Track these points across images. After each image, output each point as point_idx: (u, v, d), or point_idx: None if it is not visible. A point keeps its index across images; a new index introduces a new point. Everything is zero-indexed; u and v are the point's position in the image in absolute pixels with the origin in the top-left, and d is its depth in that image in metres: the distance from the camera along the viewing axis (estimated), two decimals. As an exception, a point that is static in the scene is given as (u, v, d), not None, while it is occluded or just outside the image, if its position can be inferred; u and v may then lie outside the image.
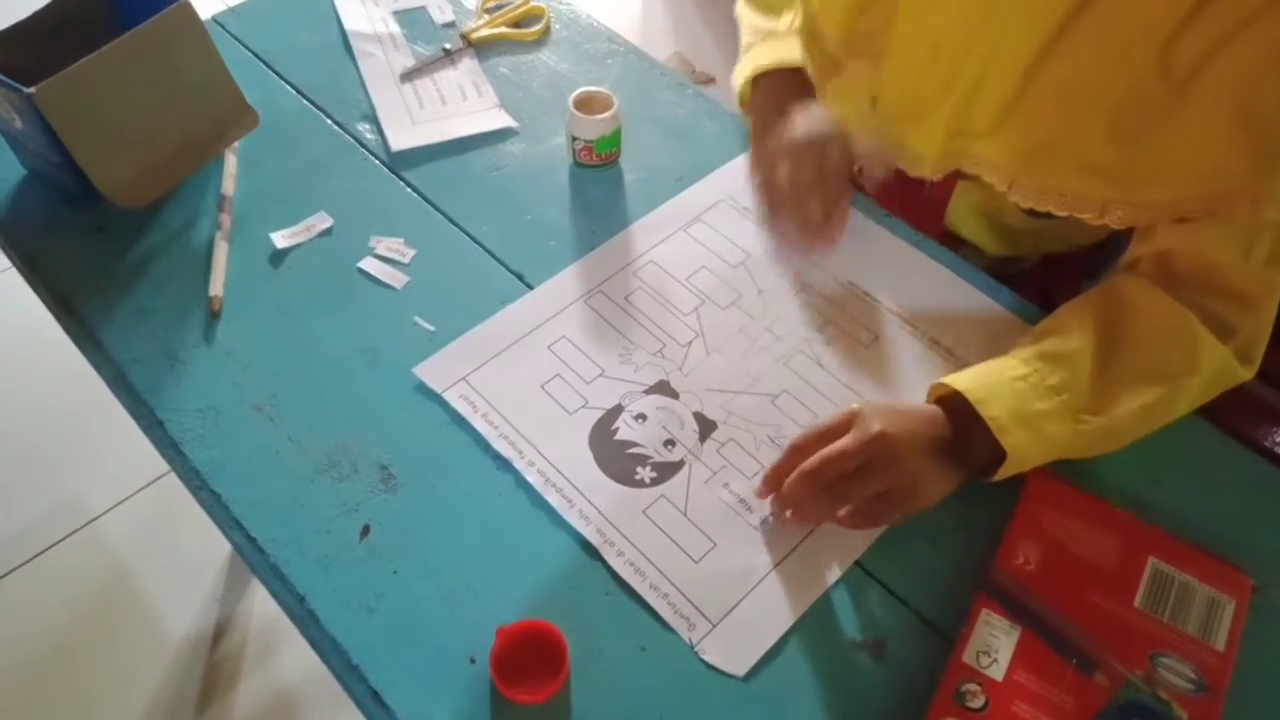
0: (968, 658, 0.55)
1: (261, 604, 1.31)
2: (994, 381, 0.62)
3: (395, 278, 0.75)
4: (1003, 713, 0.53)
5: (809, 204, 0.73)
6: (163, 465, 1.44)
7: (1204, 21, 0.59)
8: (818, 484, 0.60)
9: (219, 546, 1.37)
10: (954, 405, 0.62)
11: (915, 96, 0.74)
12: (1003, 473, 0.62)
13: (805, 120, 0.74)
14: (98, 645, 1.29)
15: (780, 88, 0.80)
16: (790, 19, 0.82)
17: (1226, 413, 1.04)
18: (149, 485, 1.43)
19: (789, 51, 0.80)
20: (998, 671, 0.55)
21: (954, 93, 0.70)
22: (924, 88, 0.72)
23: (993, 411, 0.60)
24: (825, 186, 0.73)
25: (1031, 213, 0.73)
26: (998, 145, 0.71)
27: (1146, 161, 0.65)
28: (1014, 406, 0.61)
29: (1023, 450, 0.61)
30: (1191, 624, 0.57)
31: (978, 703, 0.54)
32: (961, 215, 0.84)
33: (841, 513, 0.62)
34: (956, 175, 0.78)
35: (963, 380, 0.63)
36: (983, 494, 0.63)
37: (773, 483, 0.62)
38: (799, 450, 0.61)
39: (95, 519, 1.40)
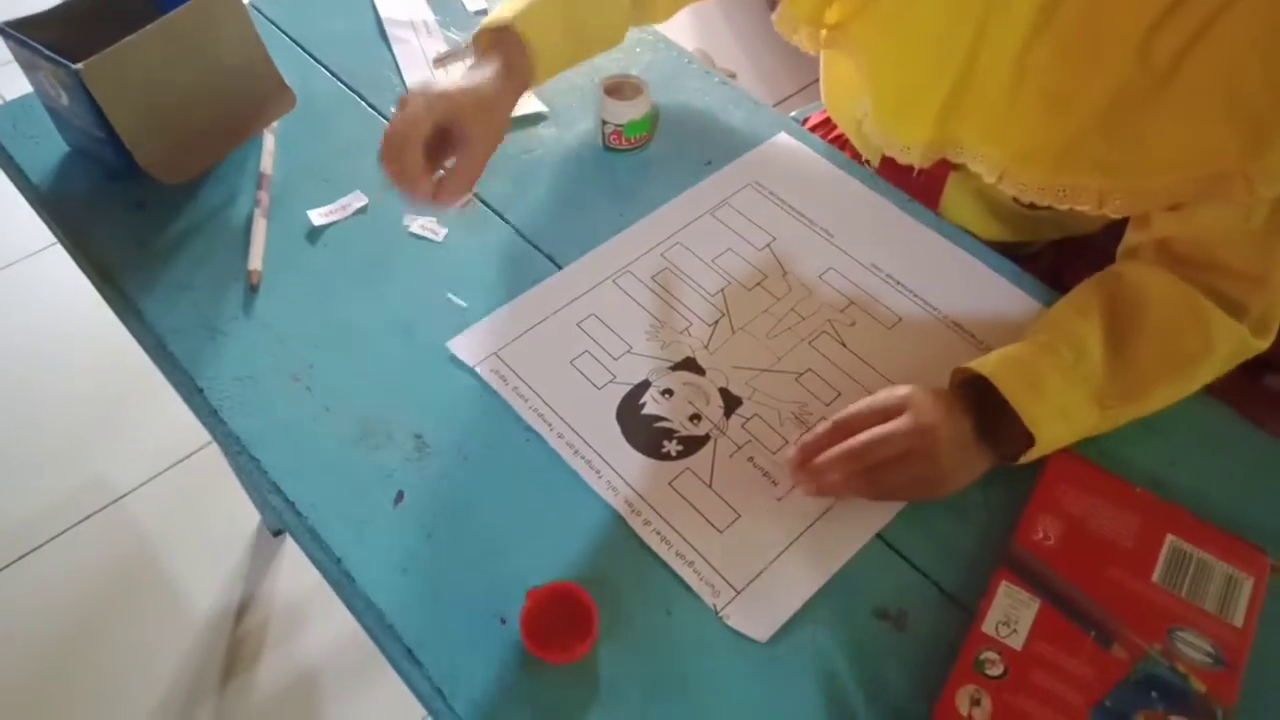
0: (987, 628, 0.56)
1: (286, 581, 1.33)
2: (1022, 369, 0.63)
3: (431, 249, 0.77)
4: (1022, 681, 0.55)
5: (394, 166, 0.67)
6: (190, 444, 1.47)
7: (1184, 13, 0.60)
8: (859, 465, 0.61)
9: (244, 525, 1.39)
10: (984, 390, 0.63)
11: (903, 86, 0.75)
12: (1028, 458, 0.63)
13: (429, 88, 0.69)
14: (124, 621, 1.31)
15: (486, 49, 0.74)
16: None
17: (1245, 407, 1.04)
18: (176, 464, 1.46)
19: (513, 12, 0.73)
20: (1017, 641, 0.56)
21: (943, 83, 0.72)
22: (912, 77, 0.74)
23: (1024, 401, 0.61)
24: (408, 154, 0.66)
25: (1027, 203, 0.75)
26: (987, 138, 0.73)
27: (1139, 151, 0.67)
28: (1045, 394, 0.61)
29: (1051, 438, 0.62)
30: (1210, 600, 0.58)
31: (997, 670, 0.55)
32: (955, 202, 0.85)
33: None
34: (947, 165, 0.80)
35: (990, 365, 0.63)
36: (1003, 470, 0.64)
37: (808, 453, 0.63)
38: (843, 429, 0.62)
39: (123, 496, 1.43)
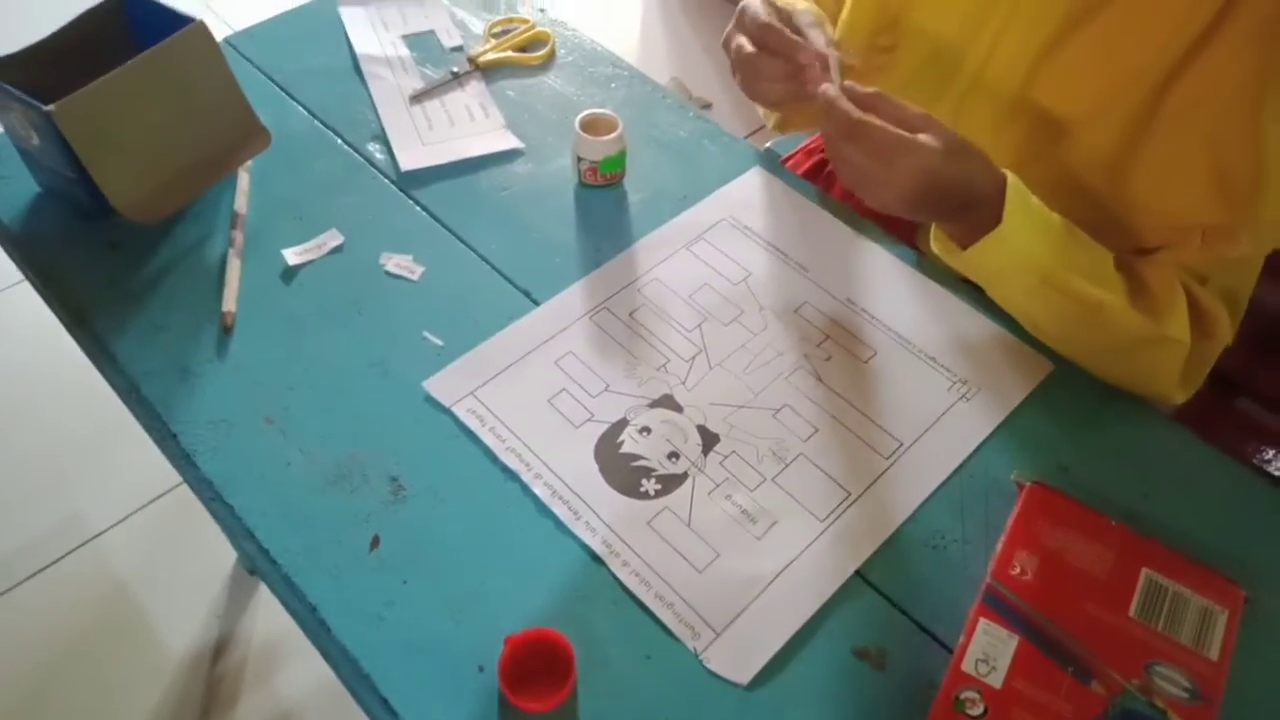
0: (967, 666, 0.56)
1: (264, 621, 1.31)
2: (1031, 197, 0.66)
3: (407, 288, 0.77)
4: (1002, 719, 0.55)
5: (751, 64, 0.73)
6: (165, 482, 1.45)
7: (1192, 67, 0.62)
8: (848, 133, 0.64)
9: (220, 563, 1.38)
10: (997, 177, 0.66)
11: (911, 96, 0.77)
12: (980, 249, 0.65)
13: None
14: (100, 661, 1.29)
15: None
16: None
17: (1216, 431, 1.06)
18: (151, 502, 1.44)
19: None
20: (996, 679, 0.56)
21: (950, 94, 0.74)
22: (921, 88, 0.76)
23: (1013, 194, 0.64)
24: (763, 31, 0.71)
25: None
26: (998, 146, 0.74)
27: (1126, 191, 0.68)
28: (1030, 208, 0.65)
29: (1016, 226, 0.64)
30: (1185, 634, 0.59)
31: (977, 710, 0.55)
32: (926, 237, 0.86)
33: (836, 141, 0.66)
34: None
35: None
36: (982, 510, 0.64)
37: (827, 104, 0.66)
38: (872, 102, 0.66)
39: (98, 535, 1.41)
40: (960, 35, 0.75)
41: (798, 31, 0.71)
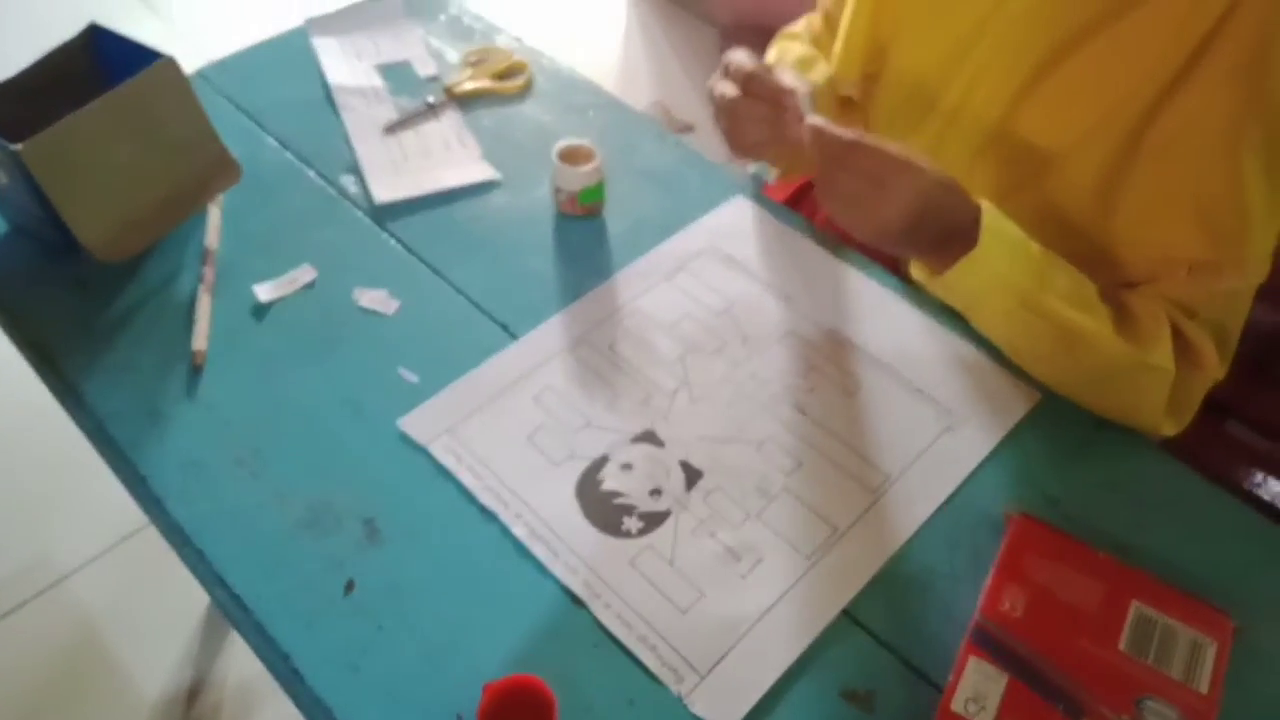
0: (956, 706, 0.55)
1: (238, 663, 1.28)
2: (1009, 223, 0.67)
3: (381, 323, 0.76)
4: (993, 762, 0.53)
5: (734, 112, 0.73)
6: (134, 523, 1.42)
7: (1179, 98, 0.62)
8: (838, 156, 0.65)
9: (192, 605, 1.34)
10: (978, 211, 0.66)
11: (896, 124, 0.79)
12: (963, 265, 0.65)
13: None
14: (69, 708, 1.25)
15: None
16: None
17: (1207, 455, 1.05)
18: (120, 543, 1.41)
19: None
20: (986, 719, 0.55)
21: (932, 123, 0.74)
22: (906, 117, 0.77)
23: (990, 219, 0.65)
24: (746, 78, 0.72)
25: None
26: (972, 180, 0.75)
27: (1108, 221, 0.68)
28: (1007, 237, 0.66)
29: (991, 248, 0.64)
30: (1175, 667, 0.58)
31: (968, 752, 0.54)
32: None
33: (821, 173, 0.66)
34: None
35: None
36: (970, 544, 0.64)
37: (816, 132, 0.66)
38: (856, 137, 0.65)
39: (65, 578, 1.37)
40: (941, 70, 0.75)
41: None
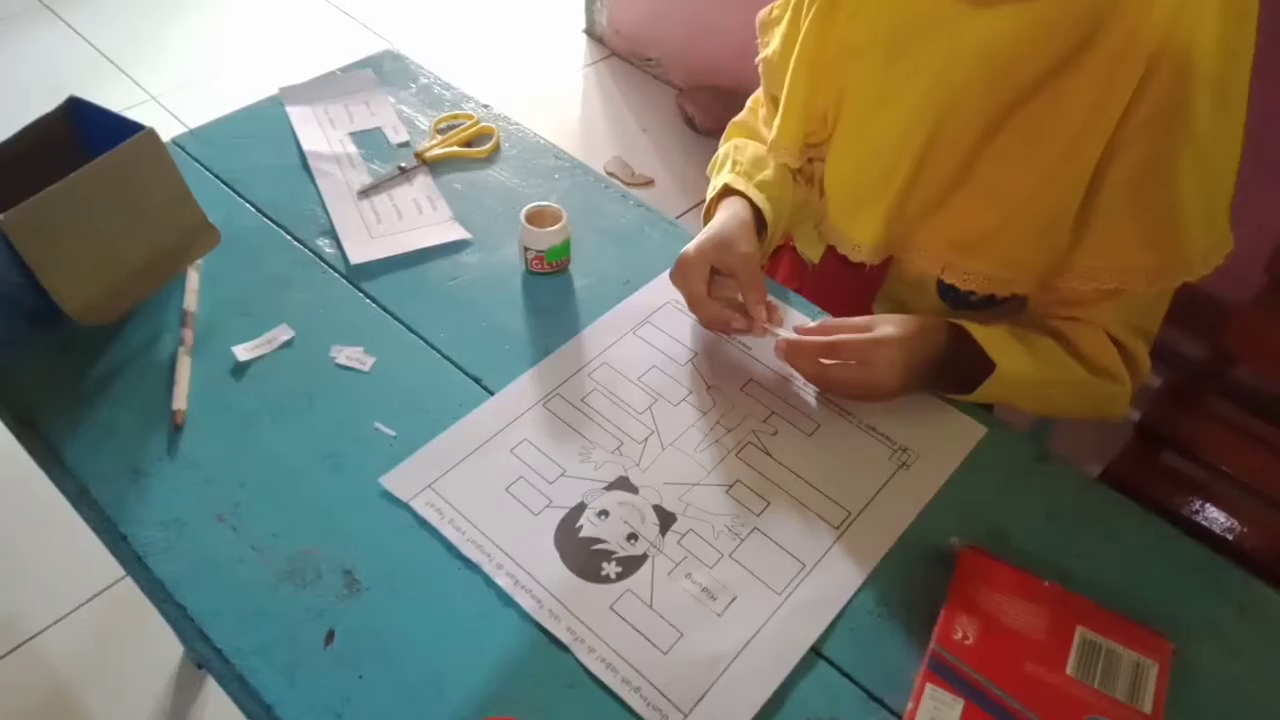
0: (916, 732, 0.58)
1: (212, 716, 1.27)
2: (987, 328, 0.77)
3: (358, 379, 0.78)
4: (953, 784, 0.56)
5: (702, 311, 0.82)
6: (104, 580, 1.41)
7: (1122, 140, 0.70)
8: (815, 359, 0.75)
9: (166, 659, 1.33)
10: (954, 331, 0.76)
11: (856, 190, 0.84)
12: (989, 389, 0.75)
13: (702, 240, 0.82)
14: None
15: (721, 209, 0.88)
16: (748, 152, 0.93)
17: (1147, 485, 1.10)
18: (90, 600, 1.39)
19: (738, 181, 0.89)
20: (945, 744, 0.58)
21: (891, 188, 0.80)
22: (864, 183, 0.83)
23: (983, 335, 0.75)
24: (694, 303, 0.81)
25: (947, 297, 0.84)
26: (931, 236, 0.80)
27: (1066, 256, 0.76)
28: (1002, 342, 0.76)
29: (1009, 365, 0.74)
30: (1120, 689, 0.61)
31: (929, 775, 0.56)
32: (889, 296, 0.92)
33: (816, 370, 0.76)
34: (888, 264, 0.87)
35: (954, 321, 0.77)
36: (924, 576, 0.67)
37: (792, 347, 0.76)
38: (825, 330, 0.76)
39: (34, 636, 1.35)
40: (891, 142, 0.80)
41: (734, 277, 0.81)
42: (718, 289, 0.81)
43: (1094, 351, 0.78)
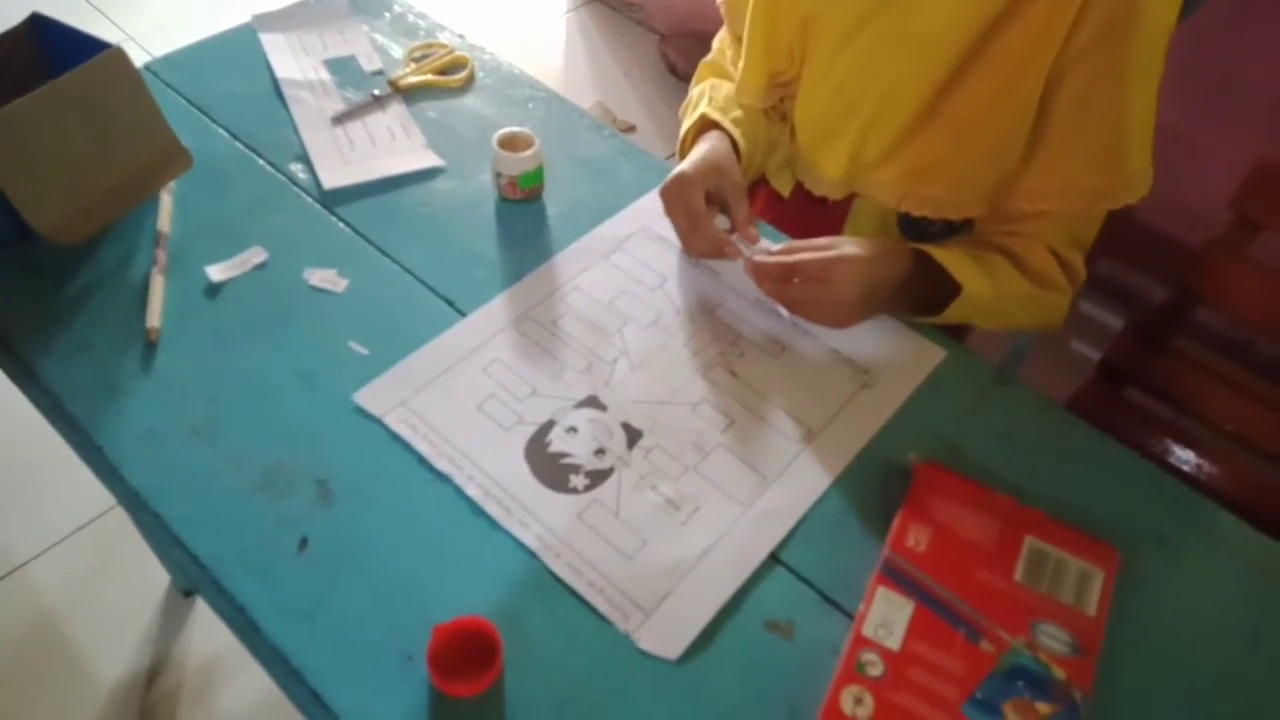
0: (867, 631, 0.61)
1: (199, 642, 1.29)
2: (946, 251, 0.79)
3: (332, 300, 0.79)
4: (900, 679, 0.59)
5: (687, 237, 0.83)
6: (92, 511, 1.42)
7: (1078, 66, 0.72)
8: (780, 280, 0.77)
9: (153, 588, 1.36)
10: (915, 255, 0.78)
11: (821, 128, 0.84)
12: (955, 310, 0.77)
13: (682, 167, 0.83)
14: (28, 694, 1.26)
15: (702, 141, 0.88)
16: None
17: (1113, 423, 1.13)
18: (77, 531, 1.41)
19: (716, 114, 0.89)
20: (894, 643, 0.60)
21: (853, 126, 0.81)
22: (828, 121, 0.83)
23: (948, 259, 0.77)
24: (695, 221, 0.82)
25: (909, 231, 0.85)
26: (890, 170, 0.81)
27: (1014, 178, 0.78)
28: (963, 264, 0.77)
29: (973, 288, 0.76)
30: (1066, 594, 0.64)
31: (877, 670, 0.59)
32: (855, 231, 0.93)
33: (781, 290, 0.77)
34: (853, 198, 0.89)
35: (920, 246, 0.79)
36: (882, 490, 0.69)
37: (756, 266, 0.78)
38: (789, 250, 0.78)
39: (22, 565, 1.38)
40: (855, 80, 0.81)
41: (724, 202, 0.83)
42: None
43: (1039, 265, 0.81)
